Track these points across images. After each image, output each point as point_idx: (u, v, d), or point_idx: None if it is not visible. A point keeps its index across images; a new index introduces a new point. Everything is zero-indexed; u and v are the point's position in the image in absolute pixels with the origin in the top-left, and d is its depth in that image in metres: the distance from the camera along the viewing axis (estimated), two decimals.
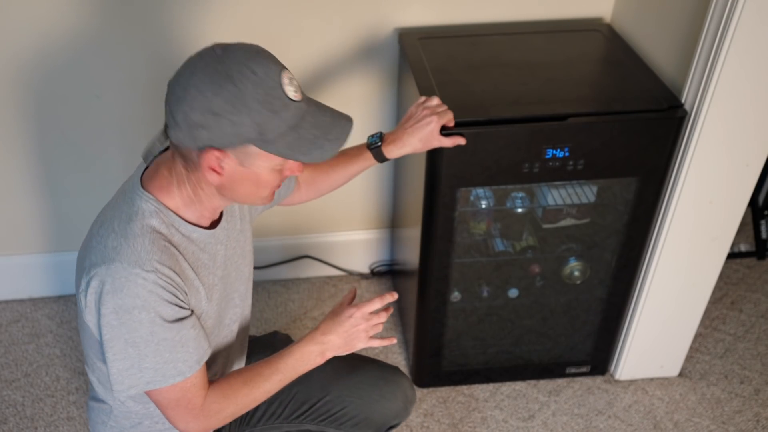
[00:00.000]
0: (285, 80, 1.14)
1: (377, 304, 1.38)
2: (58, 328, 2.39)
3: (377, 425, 1.61)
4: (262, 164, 1.17)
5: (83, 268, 1.22)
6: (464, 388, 2.21)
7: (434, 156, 1.74)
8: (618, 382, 2.25)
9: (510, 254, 2.19)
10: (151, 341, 1.19)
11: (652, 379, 2.25)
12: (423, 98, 1.63)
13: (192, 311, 1.27)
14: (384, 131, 1.61)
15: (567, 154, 1.75)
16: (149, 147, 1.23)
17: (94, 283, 1.17)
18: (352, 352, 1.40)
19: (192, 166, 1.18)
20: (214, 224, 1.33)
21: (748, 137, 1.77)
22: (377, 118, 2.27)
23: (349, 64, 2.16)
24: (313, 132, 1.16)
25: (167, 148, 1.28)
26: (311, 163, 1.29)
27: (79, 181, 2.28)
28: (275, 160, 1.17)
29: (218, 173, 1.17)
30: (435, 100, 1.62)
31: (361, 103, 2.24)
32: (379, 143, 1.57)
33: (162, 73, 2.10)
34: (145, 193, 1.22)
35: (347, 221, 2.51)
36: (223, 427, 1.57)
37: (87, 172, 2.26)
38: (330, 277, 2.61)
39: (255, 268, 1.64)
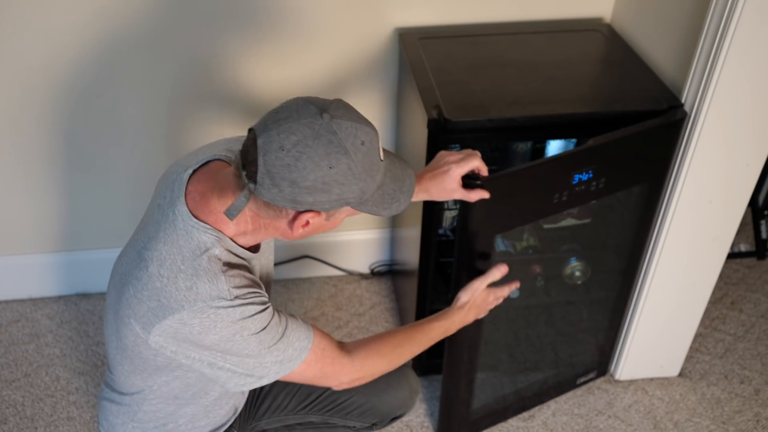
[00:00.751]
0: (379, 142, 1.16)
1: (495, 277, 1.56)
2: (58, 328, 2.39)
3: (383, 415, 1.63)
4: (342, 216, 1.20)
5: (152, 314, 1.19)
6: None
7: (465, 207, 1.58)
8: (618, 382, 2.25)
9: (510, 254, 2.19)
10: (262, 348, 1.23)
11: (652, 379, 2.25)
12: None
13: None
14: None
15: (591, 175, 1.69)
16: (236, 205, 1.15)
17: (177, 326, 1.18)
18: None
19: (272, 215, 1.16)
20: (255, 249, 1.34)
21: (748, 137, 1.77)
22: (377, 118, 2.27)
23: (349, 64, 2.16)
24: (392, 187, 1.19)
25: (206, 163, 1.27)
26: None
27: (79, 181, 2.28)
28: (353, 212, 1.20)
29: (303, 228, 1.18)
30: (458, 155, 1.49)
31: (361, 103, 2.23)
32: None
33: (162, 72, 2.10)
34: (201, 223, 1.20)
35: (347, 221, 2.51)
36: (230, 421, 1.57)
37: (87, 172, 2.26)
38: (330, 277, 2.61)
39: None
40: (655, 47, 1.92)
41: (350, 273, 2.62)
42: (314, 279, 2.61)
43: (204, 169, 1.26)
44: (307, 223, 1.16)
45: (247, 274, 1.25)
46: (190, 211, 1.20)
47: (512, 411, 2.15)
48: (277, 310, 1.28)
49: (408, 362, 1.66)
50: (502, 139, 2.00)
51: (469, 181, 1.49)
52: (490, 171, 1.49)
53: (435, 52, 1.99)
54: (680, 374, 2.26)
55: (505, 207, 1.62)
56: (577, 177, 1.67)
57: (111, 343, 1.34)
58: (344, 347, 1.37)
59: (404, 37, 2.06)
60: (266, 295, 1.27)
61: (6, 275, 2.44)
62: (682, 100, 1.77)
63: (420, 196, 1.49)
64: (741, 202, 1.89)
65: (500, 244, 2.20)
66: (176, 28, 2.03)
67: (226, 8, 2.01)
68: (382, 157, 1.16)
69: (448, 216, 2.10)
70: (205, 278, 1.17)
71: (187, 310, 1.16)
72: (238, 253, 1.25)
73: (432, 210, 1.89)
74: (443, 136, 1.75)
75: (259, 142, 1.09)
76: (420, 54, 1.97)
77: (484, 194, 1.49)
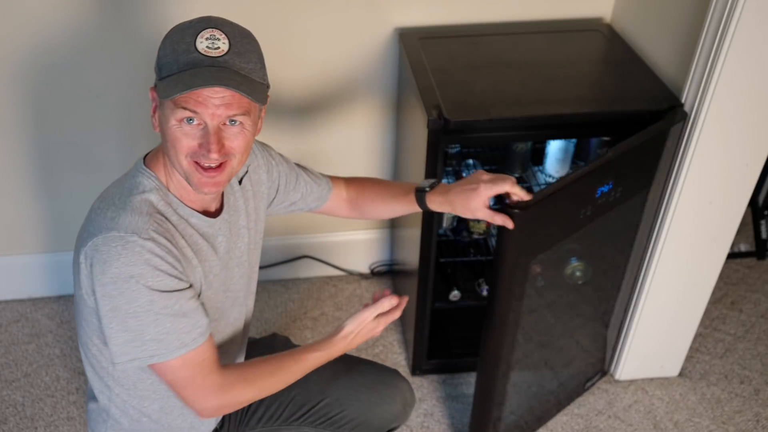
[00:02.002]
0: (206, 34, 1.16)
1: (384, 307, 1.44)
2: (58, 328, 2.39)
3: (376, 428, 1.60)
4: (165, 113, 1.18)
5: (81, 240, 1.22)
6: (464, 388, 2.21)
7: (502, 233, 1.53)
8: (618, 382, 2.25)
9: None
10: (151, 310, 1.19)
11: (652, 379, 2.25)
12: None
13: (191, 285, 1.26)
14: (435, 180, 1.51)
15: (611, 186, 1.68)
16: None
17: (90, 253, 1.17)
18: (348, 354, 1.40)
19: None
20: (214, 215, 1.33)
21: (748, 137, 1.77)
22: (377, 118, 2.27)
23: (349, 64, 2.16)
24: (188, 78, 1.14)
25: None
26: (179, 103, 1.18)
27: (79, 181, 2.28)
28: (168, 108, 1.17)
29: (153, 117, 1.22)
30: (491, 175, 1.44)
31: (361, 103, 2.24)
32: (427, 190, 1.48)
33: None
34: (147, 169, 1.26)
35: (347, 221, 2.51)
36: (221, 429, 1.57)
37: (87, 172, 2.26)
38: (330, 277, 2.61)
39: None
40: (655, 47, 1.92)
41: (350, 273, 2.62)
42: (314, 279, 2.61)
43: None
44: (154, 115, 1.22)
45: (180, 240, 1.23)
46: (144, 159, 1.28)
47: (535, 423, 2.12)
48: (192, 297, 1.24)
49: (400, 375, 1.65)
50: (502, 139, 2.00)
51: (501, 206, 1.44)
52: (490, 171, 1.48)
53: (435, 52, 1.99)
54: (680, 374, 2.26)
55: (536, 230, 1.57)
56: (599, 190, 1.65)
57: (78, 326, 1.35)
58: (221, 370, 1.29)
59: (404, 37, 2.07)
60: (185, 275, 1.23)
61: (6, 275, 2.44)
62: (682, 100, 1.77)
63: (444, 207, 1.47)
64: (741, 202, 1.89)
65: None
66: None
67: (227, 10, 2.01)
68: (201, 50, 1.14)
69: (448, 216, 2.10)
70: (129, 212, 1.19)
71: (102, 235, 1.17)
72: (181, 213, 1.25)
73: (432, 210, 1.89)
74: (443, 136, 1.75)
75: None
76: (420, 54, 1.98)
77: (507, 221, 1.43)
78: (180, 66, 1.14)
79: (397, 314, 1.45)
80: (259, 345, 1.69)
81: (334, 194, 1.62)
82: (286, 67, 2.13)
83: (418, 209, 1.52)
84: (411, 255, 2.11)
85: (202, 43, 1.15)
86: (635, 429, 2.11)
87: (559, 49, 2.05)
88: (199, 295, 1.29)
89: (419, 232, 1.94)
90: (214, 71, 1.14)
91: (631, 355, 2.18)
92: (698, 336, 2.36)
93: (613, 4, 2.15)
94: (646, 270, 2.01)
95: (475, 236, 2.18)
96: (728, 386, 2.23)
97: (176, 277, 1.21)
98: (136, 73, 2.10)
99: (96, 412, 1.44)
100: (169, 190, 1.26)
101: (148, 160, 1.28)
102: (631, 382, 2.24)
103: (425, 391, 2.21)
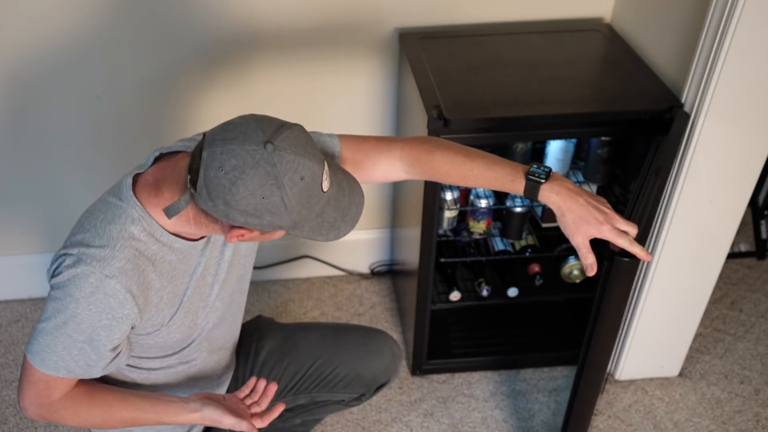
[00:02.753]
0: (324, 176, 1.15)
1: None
2: None
3: (368, 382, 1.65)
4: (280, 233, 1.20)
5: (62, 246, 1.24)
6: (464, 388, 2.21)
7: (609, 276, 1.40)
8: (618, 382, 2.24)
9: (510, 253, 2.19)
10: (62, 328, 1.20)
11: (652, 379, 2.25)
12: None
13: (119, 346, 1.26)
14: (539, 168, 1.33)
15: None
16: (175, 206, 1.17)
17: (59, 268, 1.21)
18: (335, 322, 1.40)
19: (210, 220, 1.17)
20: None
21: (748, 137, 1.77)
22: (378, 118, 2.27)
23: (349, 64, 2.16)
24: (334, 216, 1.19)
25: (161, 156, 1.28)
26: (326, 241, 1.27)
27: (79, 181, 2.28)
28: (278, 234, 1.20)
29: (239, 238, 1.18)
30: (622, 220, 1.32)
31: (361, 103, 2.24)
32: (543, 180, 1.30)
33: (163, 73, 2.10)
34: (135, 199, 1.22)
35: None
36: None
37: (87, 172, 2.26)
38: (330, 277, 2.61)
39: (255, 267, 1.64)
40: (655, 47, 1.92)
41: (350, 273, 2.62)
42: (314, 279, 2.61)
43: (171, 157, 1.27)
44: (242, 235, 1.17)
45: (150, 274, 1.24)
46: (133, 186, 1.23)
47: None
48: (111, 348, 1.24)
49: (385, 332, 1.71)
50: (502, 139, 2.00)
51: (612, 251, 1.33)
52: None
53: (435, 52, 1.99)
54: (680, 374, 2.26)
55: None
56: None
57: None
58: (64, 397, 1.29)
59: (404, 37, 2.07)
60: (130, 316, 1.23)
61: (6, 275, 2.44)
62: (682, 100, 1.77)
63: (554, 205, 1.30)
64: (741, 202, 1.89)
65: (499, 243, 2.21)
66: (177, 27, 2.03)
67: (227, 10, 2.01)
68: (325, 189, 1.16)
69: (448, 216, 2.10)
70: (105, 242, 1.20)
71: (77, 253, 1.20)
72: (163, 240, 1.25)
73: (432, 210, 1.89)
74: (443, 137, 1.75)
75: (204, 154, 1.10)
76: (420, 54, 1.98)
77: (593, 267, 1.30)
78: (317, 211, 1.19)
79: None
80: (244, 329, 1.68)
81: (384, 168, 1.43)
82: (287, 67, 2.13)
83: (518, 193, 1.33)
84: (411, 255, 2.11)
85: (326, 185, 1.18)
86: (635, 429, 2.11)
87: (559, 49, 2.05)
88: (159, 326, 1.31)
89: (419, 232, 1.94)
90: (346, 205, 1.23)
91: (631, 355, 2.18)
92: (698, 336, 2.36)
93: (613, 4, 2.15)
94: (646, 270, 2.01)
95: (475, 236, 2.18)
96: (728, 386, 2.23)
97: (106, 327, 1.21)
98: (136, 73, 2.10)
99: None
100: (153, 219, 1.23)
101: (141, 195, 1.23)
102: (631, 382, 2.24)
103: (425, 391, 2.21)
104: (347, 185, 1.23)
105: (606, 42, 2.08)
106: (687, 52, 1.75)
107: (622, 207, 1.99)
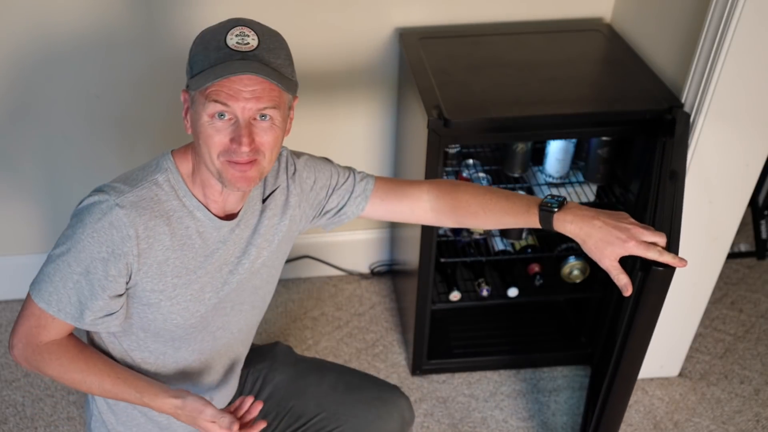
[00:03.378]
0: (236, 31, 1.18)
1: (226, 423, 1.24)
2: None
3: None
4: (197, 110, 1.19)
5: None
6: (464, 389, 2.21)
7: (642, 295, 1.37)
8: None
9: (510, 253, 2.19)
10: (63, 255, 1.23)
11: (652, 379, 2.25)
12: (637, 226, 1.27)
13: (119, 293, 1.25)
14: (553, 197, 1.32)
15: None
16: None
17: (89, 194, 1.25)
18: (351, 369, 1.35)
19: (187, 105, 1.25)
20: (225, 219, 1.32)
21: (748, 137, 1.77)
22: (377, 117, 2.28)
23: (349, 64, 2.16)
24: (219, 70, 1.15)
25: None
26: (220, 102, 1.18)
27: (79, 181, 2.27)
28: (200, 104, 1.18)
29: (185, 119, 1.24)
30: (649, 230, 1.27)
31: (361, 103, 2.24)
32: (556, 209, 1.29)
33: (163, 73, 2.10)
34: (170, 157, 1.29)
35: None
36: None
37: (87, 172, 2.26)
38: (330, 277, 2.61)
39: None
40: (655, 47, 1.92)
41: (350, 273, 2.62)
42: (314, 279, 2.61)
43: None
44: (186, 114, 1.24)
45: (161, 227, 1.25)
46: (172, 152, 1.31)
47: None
48: (109, 296, 1.24)
49: (399, 391, 1.61)
50: (502, 139, 2.00)
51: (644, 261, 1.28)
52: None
53: (435, 52, 1.99)
54: (680, 374, 2.26)
55: None
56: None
57: None
58: (51, 343, 1.29)
59: (404, 37, 2.07)
60: (129, 260, 1.23)
61: (6, 275, 2.44)
62: (682, 100, 1.77)
63: (574, 233, 1.28)
64: (741, 202, 1.89)
65: (499, 243, 2.21)
66: (177, 28, 2.03)
67: (227, 10, 2.01)
68: (231, 45, 1.17)
69: None
70: (129, 181, 1.25)
71: (100, 187, 1.25)
72: (186, 202, 1.27)
73: None
74: (443, 136, 1.75)
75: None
76: (420, 54, 1.98)
77: (628, 287, 1.26)
78: (211, 61, 1.17)
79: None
80: (259, 352, 1.65)
81: (411, 200, 1.45)
82: None
83: (536, 226, 1.33)
84: (411, 255, 2.11)
85: (232, 39, 1.17)
86: (635, 429, 2.11)
87: (559, 49, 2.05)
88: (160, 291, 1.28)
89: (419, 232, 1.94)
90: (245, 63, 1.16)
91: None
92: (698, 336, 2.36)
93: (613, 4, 2.15)
94: None
95: (476, 236, 2.18)
96: (728, 386, 2.23)
97: (110, 257, 1.22)
98: (136, 73, 2.10)
99: (87, 397, 1.46)
100: (181, 176, 1.27)
101: (175, 152, 1.30)
102: None
103: (425, 391, 2.21)
104: (264, 67, 1.17)
105: (606, 42, 2.08)
106: (687, 53, 1.75)
107: (623, 207, 2.00)
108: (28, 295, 1.27)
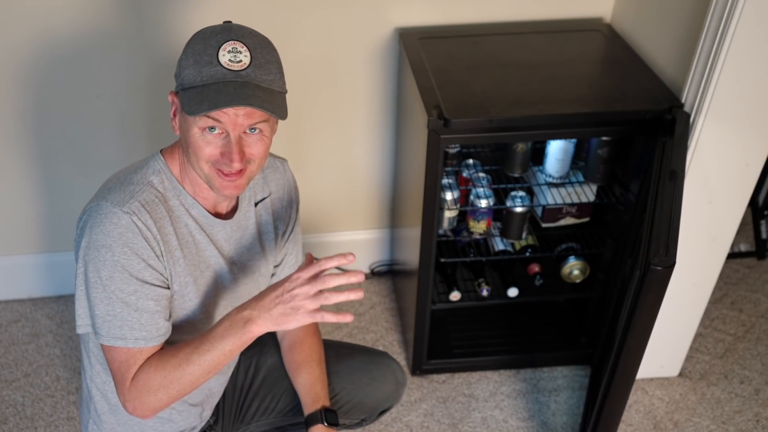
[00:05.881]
0: (228, 47, 1.18)
1: (325, 265, 1.22)
2: (58, 328, 2.39)
3: (370, 409, 1.62)
4: (188, 120, 1.20)
5: (84, 208, 1.27)
6: (464, 388, 2.21)
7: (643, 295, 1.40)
8: None
9: (510, 253, 2.19)
10: (108, 287, 1.21)
11: (652, 379, 2.25)
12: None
13: (166, 286, 1.27)
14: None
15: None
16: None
17: (83, 218, 1.24)
18: (339, 341, 1.37)
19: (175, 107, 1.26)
20: (220, 217, 1.35)
21: (748, 137, 1.77)
22: (377, 117, 2.27)
23: (349, 64, 2.16)
24: (213, 96, 1.16)
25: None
26: (196, 115, 1.18)
27: (79, 181, 2.28)
28: (191, 117, 1.19)
29: (173, 120, 1.25)
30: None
31: (361, 102, 2.24)
32: (325, 424, 1.42)
33: (162, 73, 2.10)
34: (160, 157, 1.31)
35: (347, 221, 2.51)
36: (215, 425, 1.56)
37: (87, 172, 2.26)
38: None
39: None
40: (655, 47, 1.92)
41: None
42: None
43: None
44: (174, 116, 1.24)
45: (167, 226, 1.26)
46: (161, 151, 1.33)
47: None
48: (154, 297, 1.24)
49: (389, 356, 1.66)
50: (502, 139, 2.00)
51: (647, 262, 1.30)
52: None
53: (435, 52, 1.99)
54: (680, 374, 2.26)
55: None
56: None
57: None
58: (137, 375, 1.25)
59: (404, 37, 2.07)
60: (159, 261, 1.24)
61: (6, 275, 2.44)
62: (682, 100, 1.77)
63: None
64: (741, 202, 1.89)
65: (499, 243, 2.21)
66: (177, 28, 2.03)
67: (227, 10, 2.01)
68: (224, 64, 1.17)
69: (448, 216, 2.10)
70: (125, 187, 1.25)
71: (95, 203, 1.23)
72: (182, 201, 1.29)
73: (432, 210, 1.89)
74: (443, 136, 1.75)
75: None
76: (420, 54, 1.98)
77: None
78: (203, 78, 1.17)
79: (352, 296, 1.23)
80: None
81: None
82: (287, 67, 2.13)
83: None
84: (411, 255, 2.11)
85: (225, 56, 1.18)
86: (635, 429, 2.11)
87: (559, 49, 2.05)
88: (172, 295, 1.30)
89: (419, 232, 1.94)
90: (238, 87, 1.16)
91: None
92: (698, 336, 2.36)
93: (613, 4, 2.15)
94: None
95: (476, 236, 2.18)
96: (728, 386, 2.23)
97: (145, 262, 1.22)
98: (136, 73, 2.10)
99: (83, 398, 1.47)
100: (174, 177, 1.29)
101: (164, 152, 1.32)
102: None
103: (425, 391, 2.21)
104: (258, 90, 1.18)
105: (606, 42, 2.08)
106: (687, 53, 1.75)
107: (623, 207, 2.00)
108: (106, 349, 1.25)
